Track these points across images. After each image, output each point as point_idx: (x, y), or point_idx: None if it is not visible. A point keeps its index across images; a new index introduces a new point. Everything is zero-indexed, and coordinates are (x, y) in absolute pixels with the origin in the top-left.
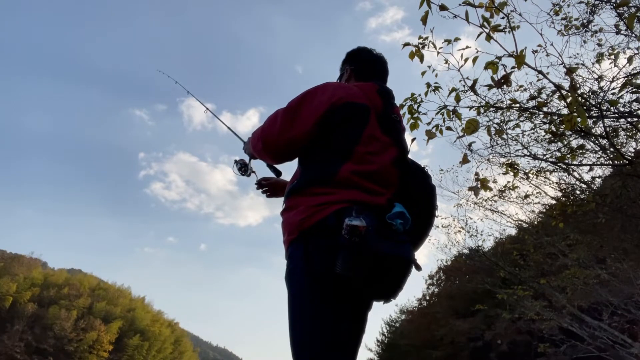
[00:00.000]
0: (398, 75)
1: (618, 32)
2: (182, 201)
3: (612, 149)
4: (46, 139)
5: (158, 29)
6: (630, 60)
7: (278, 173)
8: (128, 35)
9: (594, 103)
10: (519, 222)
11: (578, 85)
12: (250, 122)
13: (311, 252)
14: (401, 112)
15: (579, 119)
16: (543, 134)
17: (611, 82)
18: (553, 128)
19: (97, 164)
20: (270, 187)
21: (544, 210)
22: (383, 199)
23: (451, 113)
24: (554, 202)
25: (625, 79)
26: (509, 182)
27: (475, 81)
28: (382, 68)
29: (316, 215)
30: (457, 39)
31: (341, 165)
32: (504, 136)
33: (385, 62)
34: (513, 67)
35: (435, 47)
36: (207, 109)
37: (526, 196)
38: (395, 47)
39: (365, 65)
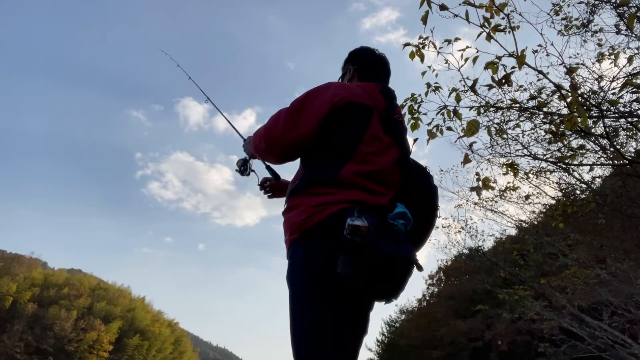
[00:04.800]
0: (393, 76)
1: (618, 32)
2: (179, 201)
3: (612, 149)
4: (45, 139)
5: (155, 30)
6: (630, 60)
7: (276, 176)
8: (125, 37)
9: (594, 103)
10: (519, 222)
11: (579, 85)
12: (247, 122)
13: (312, 252)
14: (401, 112)
15: (579, 119)
16: (543, 134)
17: (611, 82)
18: (553, 128)
19: (95, 164)
20: (271, 188)
21: (544, 211)
22: (385, 199)
23: (451, 113)
24: (554, 202)
25: (626, 79)
26: (509, 182)
27: (475, 81)
28: (385, 68)
29: (318, 215)
30: (457, 39)
31: (343, 165)
32: (504, 136)
33: (387, 62)
34: (513, 67)
35: (435, 47)
36: (207, 98)
37: (527, 197)
38: (390, 48)
39: (368, 65)
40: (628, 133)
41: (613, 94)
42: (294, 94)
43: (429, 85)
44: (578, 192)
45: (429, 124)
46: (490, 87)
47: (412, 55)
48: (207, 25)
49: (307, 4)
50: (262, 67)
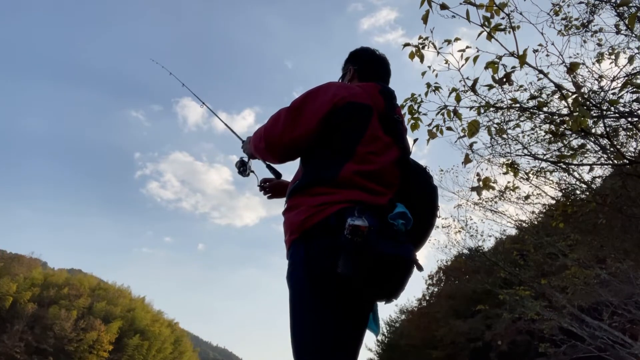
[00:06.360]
0: (392, 76)
1: (618, 32)
2: (178, 200)
3: (612, 149)
4: (44, 139)
5: (154, 30)
6: (630, 60)
7: (278, 174)
8: (124, 37)
9: (594, 103)
10: (519, 222)
11: (581, 84)
12: (245, 122)
13: (313, 252)
14: (401, 113)
15: (582, 118)
16: (543, 134)
17: (611, 81)
18: (553, 128)
19: (95, 164)
20: (271, 188)
21: (544, 211)
22: (385, 199)
23: (452, 113)
24: (554, 202)
25: (626, 78)
26: (509, 182)
27: (475, 81)
28: (385, 69)
29: (318, 215)
30: (457, 39)
31: (343, 165)
32: (504, 136)
33: (387, 63)
34: (513, 67)
35: (435, 47)
36: (203, 103)
37: (527, 197)
38: (388, 48)
39: (368, 66)
40: (628, 133)
41: (613, 93)
42: (292, 93)
43: (429, 85)
44: (578, 192)
45: (430, 124)
46: (490, 87)
47: (411, 56)
48: (206, 25)
49: (305, 3)
50: (261, 66)
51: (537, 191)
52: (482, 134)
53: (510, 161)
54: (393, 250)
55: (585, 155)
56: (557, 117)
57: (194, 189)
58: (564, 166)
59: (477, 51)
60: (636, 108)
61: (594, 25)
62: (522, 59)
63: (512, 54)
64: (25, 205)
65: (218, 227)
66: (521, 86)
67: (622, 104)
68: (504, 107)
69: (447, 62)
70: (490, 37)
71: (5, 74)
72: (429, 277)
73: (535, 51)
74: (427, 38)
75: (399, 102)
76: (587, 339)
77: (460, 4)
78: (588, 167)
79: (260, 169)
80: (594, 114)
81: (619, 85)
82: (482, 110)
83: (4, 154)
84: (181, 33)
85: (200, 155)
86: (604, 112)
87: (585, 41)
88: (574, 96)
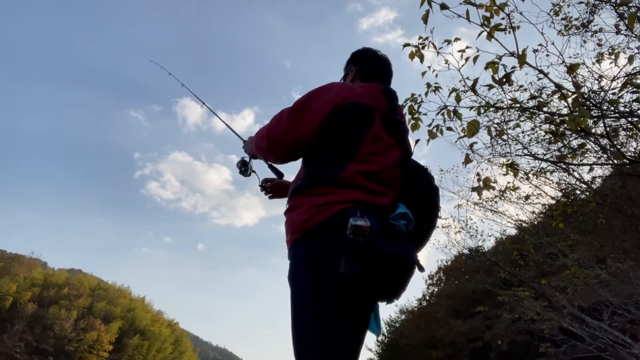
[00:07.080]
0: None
1: (618, 32)
2: (177, 200)
3: (612, 149)
4: (44, 140)
5: (153, 31)
6: (630, 60)
7: (280, 174)
8: (124, 37)
9: (594, 103)
10: (519, 222)
11: (581, 84)
12: (245, 122)
13: (314, 252)
14: (403, 113)
15: (581, 118)
16: (543, 134)
17: (611, 81)
18: (553, 128)
19: (95, 164)
20: (272, 188)
21: (544, 211)
22: (386, 199)
23: (452, 113)
24: (554, 202)
25: (626, 78)
26: (509, 182)
27: (475, 81)
28: (387, 69)
29: (320, 214)
30: (457, 39)
31: (346, 165)
32: (504, 136)
33: (389, 63)
34: (513, 67)
35: (435, 47)
36: (203, 103)
37: (527, 197)
38: (388, 48)
39: (370, 66)
40: (628, 133)
41: (613, 93)
42: (291, 93)
43: (429, 85)
44: (578, 192)
45: (430, 124)
46: (490, 87)
47: (411, 56)
48: (206, 25)
49: (304, 3)
50: (260, 66)
51: (537, 191)
52: (482, 134)
53: (510, 161)
54: (395, 250)
55: (585, 155)
56: (557, 117)
57: (193, 189)
58: (564, 166)
59: (477, 51)
60: (636, 108)
61: (594, 25)
62: (522, 59)
63: (512, 54)
64: (25, 205)
65: (218, 227)
66: (521, 86)
67: (622, 104)
68: (504, 107)
69: (447, 62)
70: (490, 37)
71: (5, 74)
72: (429, 277)
73: (535, 51)
74: (427, 38)
75: (399, 102)
76: (587, 339)
77: (460, 4)
78: (588, 167)
79: (261, 168)
80: (594, 114)
81: (619, 85)
82: (482, 110)
83: (4, 154)
84: (181, 33)
85: (200, 155)
86: (604, 112)
87: (585, 41)
88: (574, 96)
